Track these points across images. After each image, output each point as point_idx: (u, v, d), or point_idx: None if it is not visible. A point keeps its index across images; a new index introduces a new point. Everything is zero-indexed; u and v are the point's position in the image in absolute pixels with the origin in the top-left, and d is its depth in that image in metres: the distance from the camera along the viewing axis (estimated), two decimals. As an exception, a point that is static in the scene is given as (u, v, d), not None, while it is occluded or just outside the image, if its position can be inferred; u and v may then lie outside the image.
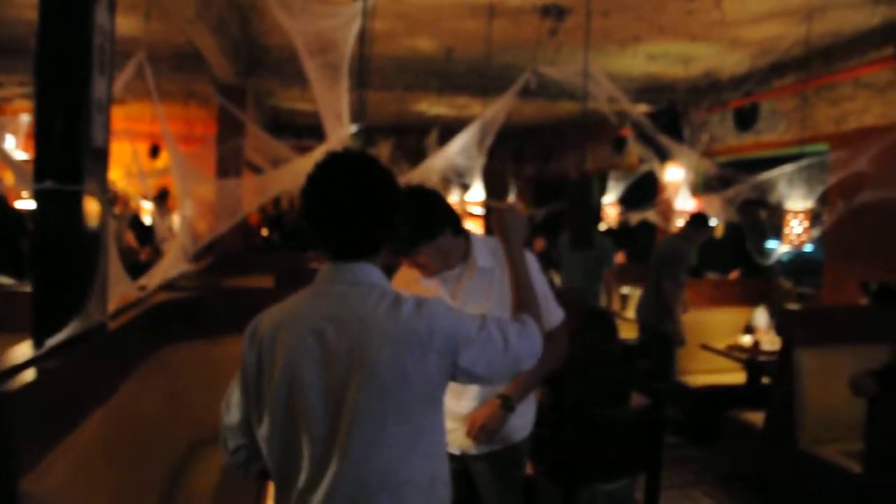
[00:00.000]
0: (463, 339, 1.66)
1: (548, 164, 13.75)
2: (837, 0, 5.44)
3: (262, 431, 1.67)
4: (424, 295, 1.78)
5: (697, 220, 6.17)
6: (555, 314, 2.53)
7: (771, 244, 7.23)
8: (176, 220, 7.77)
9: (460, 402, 2.49)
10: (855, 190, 6.01)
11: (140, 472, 2.43)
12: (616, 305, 7.25)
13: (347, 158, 1.71)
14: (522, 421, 2.57)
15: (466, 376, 1.70)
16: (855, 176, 6.07)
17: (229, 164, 7.63)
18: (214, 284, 5.13)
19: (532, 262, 2.48)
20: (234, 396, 1.75)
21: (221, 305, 3.39)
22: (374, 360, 1.58)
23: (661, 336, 5.86)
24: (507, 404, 2.43)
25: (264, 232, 11.90)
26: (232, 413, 1.75)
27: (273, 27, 6.02)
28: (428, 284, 2.47)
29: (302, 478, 1.62)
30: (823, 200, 6.58)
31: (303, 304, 1.69)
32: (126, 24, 4.75)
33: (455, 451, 2.52)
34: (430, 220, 2.33)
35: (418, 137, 9.37)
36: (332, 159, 1.70)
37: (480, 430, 2.40)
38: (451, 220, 2.39)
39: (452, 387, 2.42)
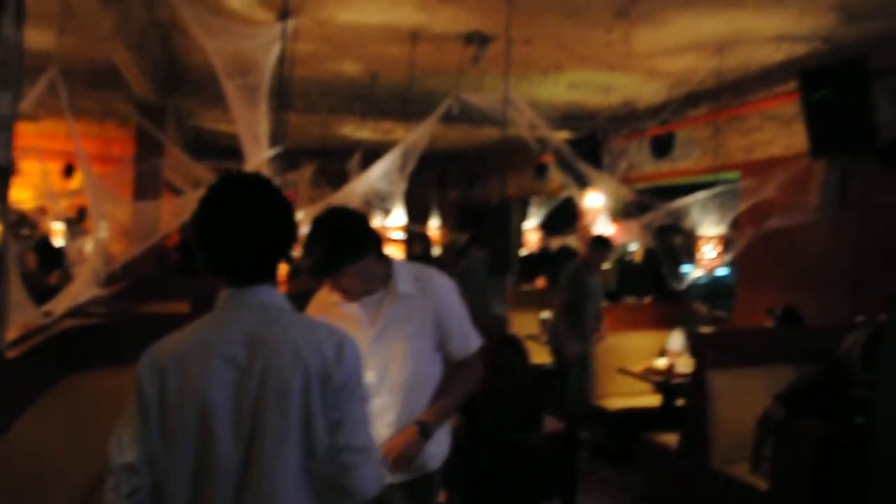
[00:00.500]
0: (353, 386, 1.65)
1: (472, 190, 13.88)
2: (745, 36, 5.69)
3: (167, 464, 1.60)
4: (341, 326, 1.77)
5: (596, 242, 6.27)
6: (473, 341, 2.56)
7: (685, 269, 7.44)
8: (89, 242, 7.52)
9: (376, 430, 2.46)
10: (763, 216, 6.26)
11: (41, 507, 2.32)
12: (535, 329, 7.34)
13: (239, 181, 1.70)
14: (439, 449, 2.55)
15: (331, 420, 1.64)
16: (763, 203, 6.33)
17: (147, 185, 7.44)
18: (127, 310, 4.96)
19: (451, 290, 2.52)
20: (128, 435, 1.62)
21: (134, 332, 3.25)
22: (287, 383, 1.57)
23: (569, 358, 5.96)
24: (425, 431, 2.40)
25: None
26: (126, 453, 1.61)
27: (195, 46, 5.92)
28: (347, 309, 2.44)
29: None
30: (735, 226, 6.83)
31: (208, 330, 1.66)
32: (38, 38, 4.58)
33: None
34: (357, 240, 2.32)
35: (341, 161, 9.33)
36: (225, 182, 1.69)
37: (399, 457, 2.36)
38: (376, 242, 2.39)
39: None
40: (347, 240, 2.29)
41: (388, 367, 2.40)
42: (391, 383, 2.40)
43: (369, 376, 2.28)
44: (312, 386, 1.58)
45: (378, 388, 2.39)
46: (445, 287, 2.52)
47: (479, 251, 7.74)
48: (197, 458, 1.58)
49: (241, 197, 1.65)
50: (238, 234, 1.63)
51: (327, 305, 2.48)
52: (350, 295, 2.39)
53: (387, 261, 2.46)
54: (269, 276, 1.69)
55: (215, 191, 1.67)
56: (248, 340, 1.60)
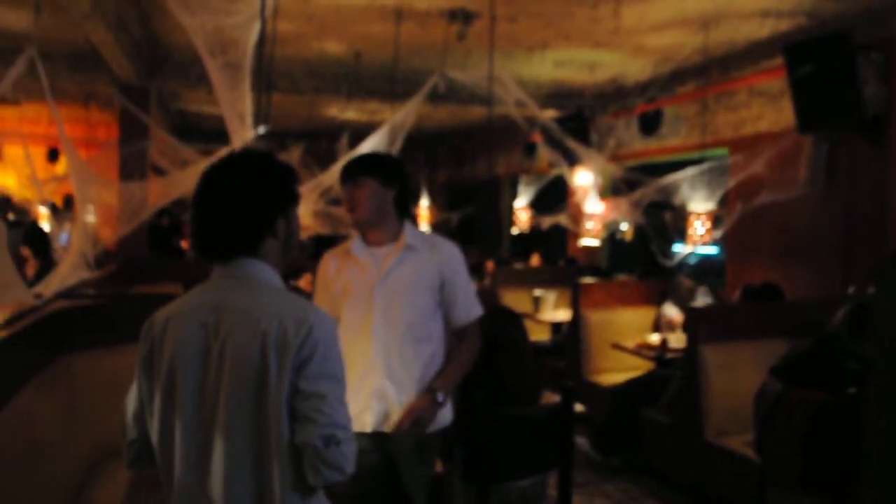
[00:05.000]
0: (322, 354, 1.64)
1: (461, 169, 13.86)
2: (730, 11, 5.67)
3: (152, 423, 1.69)
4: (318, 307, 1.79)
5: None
6: (475, 309, 2.69)
7: (676, 247, 7.45)
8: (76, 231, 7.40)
9: (372, 373, 2.54)
10: (752, 192, 6.27)
11: (37, 489, 2.30)
12: (528, 307, 7.35)
13: (233, 157, 1.77)
14: (442, 416, 2.64)
15: (301, 393, 1.62)
16: (752, 179, 6.35)
17: (133, 169, 7.36)
18: (118, 292, 4.92)
19: (459, 256, 2.68)
20: (133, 389, 1.76)
21: (125, 313, 3.24)
22: (244, 349, 1.61)
23: None
24: (436, 398, 2.52)
25: (185, 244, 11.34)
26: (129, 406, 1.76)
27: (176, 26, 5.84)
28: (358, 255, 2.61)
29: (176, 475, 1.65)
30: (723, 202, 6.85)
31: (194, 297, 1.73)
32: (14, 18, 4.50)
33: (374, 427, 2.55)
34: (387, 165, 2.61)
35: (329, 142, 9.28)
36: (221, 158, 1.76)
37: (415, 422, 2.46)
38: (403, 188, 2.62)
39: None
40: (382, 159, 2.66)
41: (390, 314, 2.54)
42: (390, 331, 2.54)
43: (374, 319, 2.51)
44: (269, 353, 1.60)
45: (377, 332, 2.53)
46: (453, 252, 2.67)
47: None
48: (167, 417, 1.65)
49: (221, 173, 1.72)
50: (214, 208, 1.70)
51: (341, 252, 2.68)
52: (356, 215, 2.56)
53: (402, 220, 2.64)
54: (251, 250, 1.72)
55: (211, 165, 1.74)
56: (218, 307, 1.66)
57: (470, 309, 2.66)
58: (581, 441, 5.20)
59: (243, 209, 1.69)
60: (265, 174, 1.74)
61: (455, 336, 2.67)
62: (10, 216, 8.45)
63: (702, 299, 6.22)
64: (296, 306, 1.68)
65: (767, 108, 6.61)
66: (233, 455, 1.61)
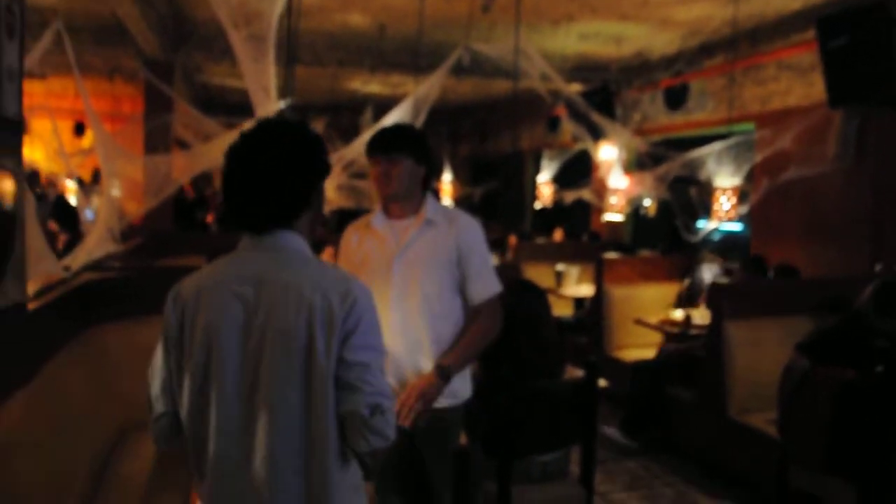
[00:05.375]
0: (366, 325, 1.64)
1: (484, 143, 13.79)
2: (762, -18, 5.56)
3: (182, 396, 1.66)
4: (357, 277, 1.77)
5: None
6: (493, 286, 2.64)
7: (700, 223, 7.38)
8: (97, 201, 7.49)
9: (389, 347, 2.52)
10: (779, 168, 6.19)
11: (66, 457, 2.35)
12: (551, 282, 7.34)
13: (269, 126, 1.72)
14: (460, 389, 2.64)
15: (346, 363, 1.62)
16: (779, 154, 6.25)
17: (158, 142, 7.41)
18: (144, 264, 4.97)
19: (478, 231, 2.65)
20: (157, 362, 1.72)
21: (151, 285, 3.27)
22: (289, 323, 1.59)
23: None
24: (444, 374, 2.47)
25: (209, 218, 11.41)
26: (154, 381, 1.73)
27: (201, 0, 5.85)
28: (378, 227, 2.62)
29: (211, 447, 1.63)
30: (750, 178, 6.76)
31: (226, 268, 1.69)
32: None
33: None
34: (423, 143, 2.59)
35: (352, 116, 9.25)
36: (255, 127, 1.71)
37: (418, 398, 2.39)
38: (431, 165, 2.63)
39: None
40: (418, 135, 2.62)
41: (408, 287, 2.54)
42: (408, 303, 2.53)
43: (392, 291, 2.51)
44: (315, 328, 1.59)
45: (396, 304, 2.53)
46: (472, 226, 2.64)
47: None
48: (202, 390, 1.63)
49: (261, 139, 1.68)
50: (247, 174, 1.65)
51: (362, 225, 2.69)
52: (388, 190, 2.55)
53: (425, 194, 2.64)
54: (289, 222, 1.69)
55: (243, 134, 1.69)
56: (257, 280, 1.63)
57: (486, 286, 2.61)
58: (611, 431, 5.19)
59: (285, 181, 1.65)
60: (303, 146, 1.70)
61: (472, 314, 2.62)
62: (38, 190, 8.54)
63: (707, 270, 6.20)
64: (338, 279, 1.66)
65: (796, 82, 6.49)
66: (277, 426, 1.59)
